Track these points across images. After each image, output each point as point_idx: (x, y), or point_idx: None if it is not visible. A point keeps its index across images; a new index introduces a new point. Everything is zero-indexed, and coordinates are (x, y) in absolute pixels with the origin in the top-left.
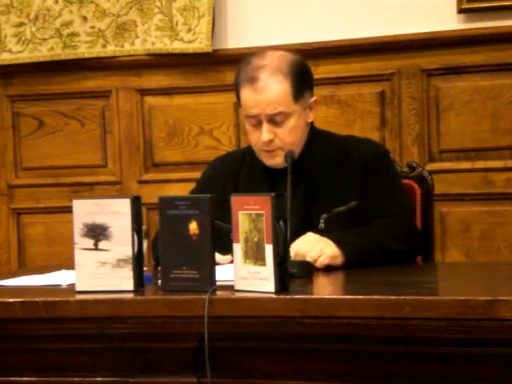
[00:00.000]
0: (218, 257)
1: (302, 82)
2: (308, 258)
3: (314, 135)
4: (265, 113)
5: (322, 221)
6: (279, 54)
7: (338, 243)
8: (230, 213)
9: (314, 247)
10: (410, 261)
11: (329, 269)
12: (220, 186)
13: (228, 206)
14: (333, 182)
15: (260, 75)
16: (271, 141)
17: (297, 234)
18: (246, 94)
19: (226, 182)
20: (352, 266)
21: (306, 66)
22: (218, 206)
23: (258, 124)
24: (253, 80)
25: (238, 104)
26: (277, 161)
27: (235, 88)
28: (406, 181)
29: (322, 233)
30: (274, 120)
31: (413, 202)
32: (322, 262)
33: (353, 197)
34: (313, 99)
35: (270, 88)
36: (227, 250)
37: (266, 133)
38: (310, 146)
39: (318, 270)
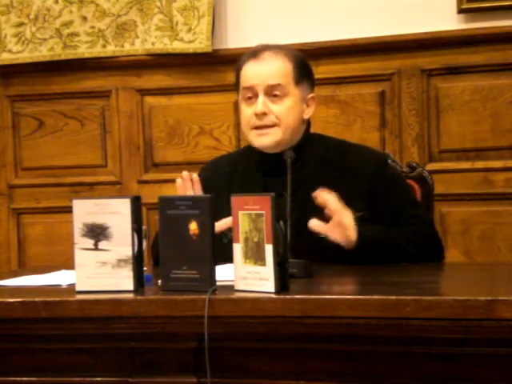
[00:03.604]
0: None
1: (303, 71)
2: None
3: (309, 137)
4: (264, 83)
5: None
6: (283, 45)
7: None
8: (224, 215)
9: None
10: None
11: (340, 256)
12: (214, 188)
13: (222, 209)
14: (331, 187)
15: (264, 52)
16: (265, 114)
17: (292, 236)
18: (248, 67)
19: (219, 185)
20: (363, 258)
21: (307, 62)
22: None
23: (253, 97)
24: (256, 55)
25: (236, 88)
26: (266, 141)
27: (236, 72)
28: None
29: (322, 240)
30: (272, 93)
31: None
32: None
33: (356, 206)
34: (311, 95)
35: (272, 62)
36: (222, 253)
37: (260, 104)
38: (305, 148)
39: (317, 270)
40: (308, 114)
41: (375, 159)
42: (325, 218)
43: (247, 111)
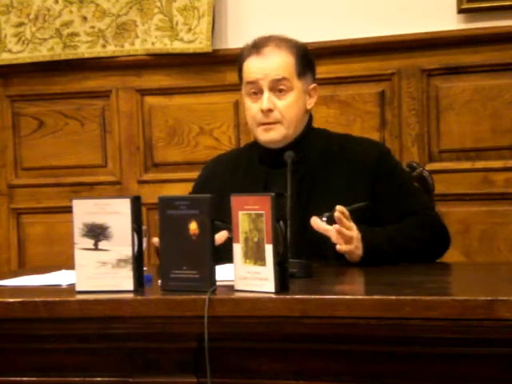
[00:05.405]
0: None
1: (305, 62)
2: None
3: (311, 130)
4: (268, 78)
5: (324, 219)
6: (285, 36)
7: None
8: (227, 213)
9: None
10: (436, 258)
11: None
12: (216, 186)
13: (225, 207)
14: (333, 178)
15: (266, 45)
16: (270, 110)
17: (294, 228)
18: (250, 61)
19: (222, 180)
20: (366, 265)
21: (309, 52)
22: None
23: (258, 93)
24: (258, 48)
25: (239, 80)
26: (273, 135)
27: (238, 64)
28: None
29: (324, 237)
30: (276, 88)
31: None
32: (343, 248)
33: (359, 196)
34: (312, 86)
35: (275, 56)
36: (226, 251)
37: (266, 101)
38: (307, 139)
39: (317, 270)
40: (311, 104)
41: (377, 149)
42: (330, 209)
43: (253, 107)
